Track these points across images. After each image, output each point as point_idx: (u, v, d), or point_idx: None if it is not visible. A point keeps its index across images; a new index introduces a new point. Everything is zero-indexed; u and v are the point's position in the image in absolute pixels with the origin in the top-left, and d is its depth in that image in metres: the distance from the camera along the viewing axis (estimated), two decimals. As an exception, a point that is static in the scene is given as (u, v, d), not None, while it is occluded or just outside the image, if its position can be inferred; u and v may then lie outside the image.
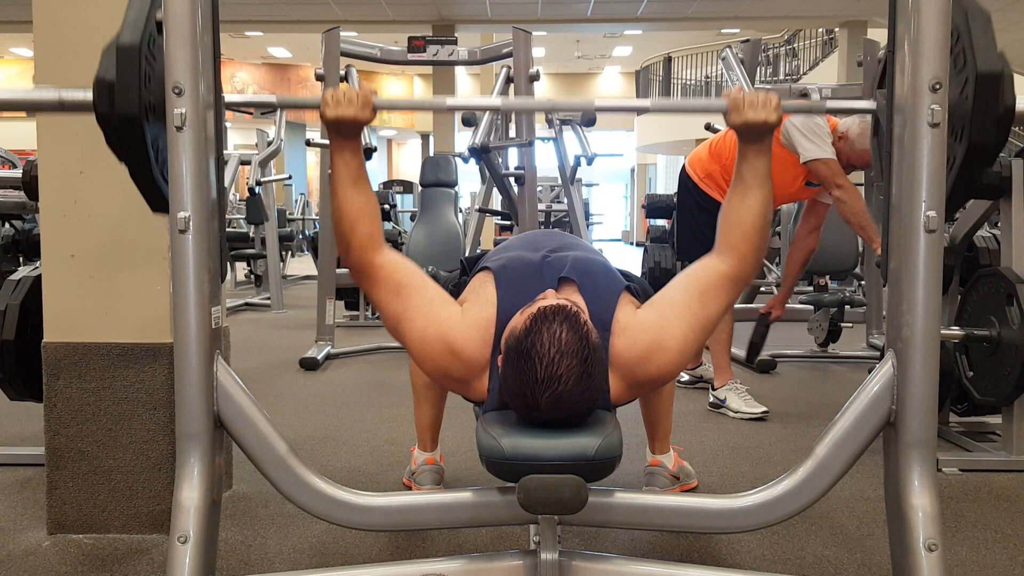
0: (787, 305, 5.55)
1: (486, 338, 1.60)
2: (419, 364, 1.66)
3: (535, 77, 4.26)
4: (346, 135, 1.57)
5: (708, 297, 1.59)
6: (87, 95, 1.46)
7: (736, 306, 4.21)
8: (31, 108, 1.65)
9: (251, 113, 12.53)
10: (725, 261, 1.61)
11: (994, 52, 1.40)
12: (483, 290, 1.68)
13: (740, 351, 4.33)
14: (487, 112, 4.26)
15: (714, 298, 1.59)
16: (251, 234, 7.57)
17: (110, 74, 1.40)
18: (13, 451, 2.66)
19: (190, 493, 1.47)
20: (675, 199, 3.70)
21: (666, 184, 20.37)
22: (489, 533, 2.06)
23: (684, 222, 3.55)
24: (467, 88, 17.26)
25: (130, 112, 1.41)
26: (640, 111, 1.61)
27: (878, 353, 4.15)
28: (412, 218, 7.81)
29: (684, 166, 3.47)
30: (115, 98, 1.40)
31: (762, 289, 5.95)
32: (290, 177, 10.59)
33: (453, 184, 6.23)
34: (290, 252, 10.50)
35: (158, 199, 1.50)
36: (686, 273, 1.66)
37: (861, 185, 4.31)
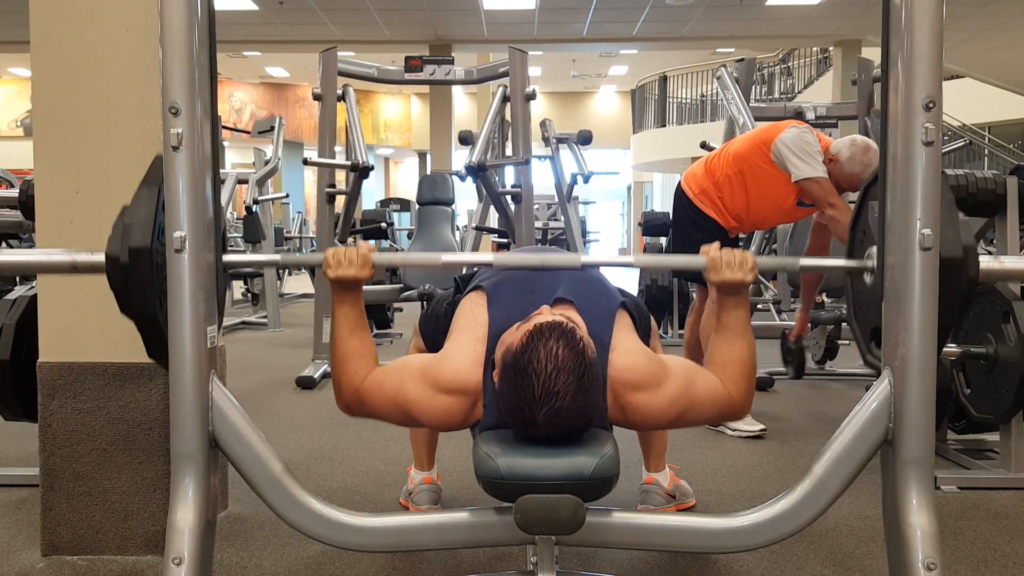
0: (785, 322, 5.56)
1: (476, 360, 1.61)
2: (433, 425, 1.70)
3: (531, 96, 4.29)
4: (347, 289, 1.65)
5: (706, 391, 1.62)
6: (99, 259, 1.52)
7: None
8: (45, 270, 1.72)
9: (248, 132, 12.58)
10: (727, 388, 1.63)
11: (957, 238, 1.48)
12: (472, 312, 1.70)
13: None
14: (484, 130, 4.28)
15: (708, 398, 1.62)
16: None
17: (124, 259, 1.47)
18: (8, 472, 2.64)
19: (185, 514, 1.47)
20: (671, 216, 3.71)
21: (663, 202, 20.43)
22: (486, 553, 2.05)
23: (679, 238, 3.56)
24: (464, 107, 17.33)
25: (146, 309, 1.49)
26: (624, 266, 1.74)
27: (875, 371, 4.14)
28: (409, 236, 7.82)
29: (680, 183, 3.49)
30: (130, 290, 1.48)
31: (759, 307, 5.95)
32: (287, 196, 10.59)
33: (450, 202, 6.25)
34: (287, 270, 10.50)
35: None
36: (698, 367, 1.68)
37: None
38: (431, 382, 1.59)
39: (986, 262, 1.56)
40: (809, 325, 4.43)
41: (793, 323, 3.88)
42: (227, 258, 1.60)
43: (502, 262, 1.71)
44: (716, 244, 1.65)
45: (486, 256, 1.70)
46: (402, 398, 1.61)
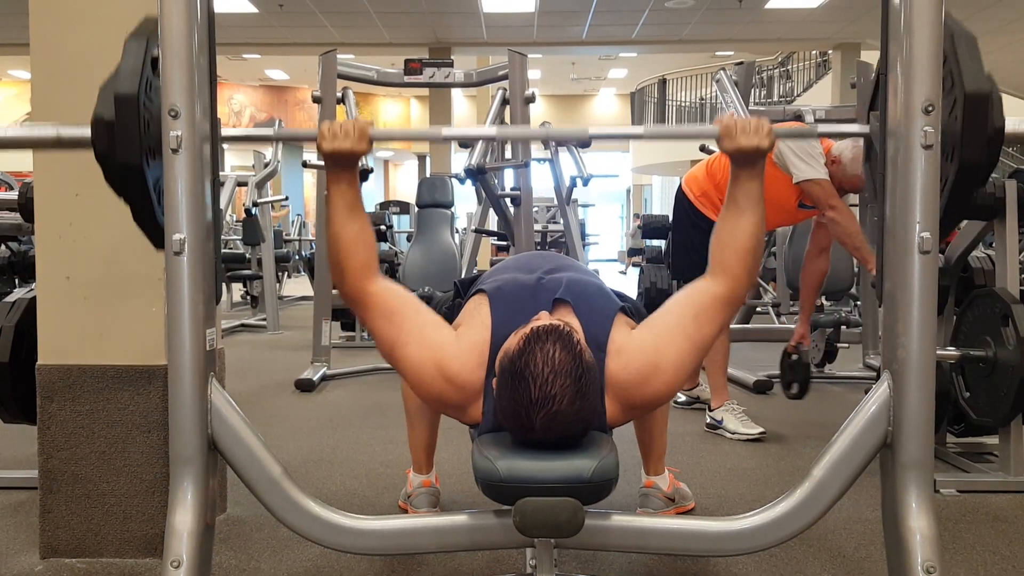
0: (783, 325, 5.56)
1: (480, 362, 1.60)
2: (415, 390, 1.67)
3: (531, 99, 4.29)
4: (343, 166, 1.58)
5: (703, 319, 1.60)
6: (85, 132, 1.46)
7: (732, 326, 4.21)
8: (29, 146, 1.65)
9: (248, 135, 12.59)
10: (719, 282, 1.61)
11: (982, 73, 1.42)
12: (477, 313, 1.68)
13: (736, 371, 4.33)
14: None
15: (709, 320, 1.60)
16: (247, 255, 7.58)
17: (108, 115, 1.40)
18: (6, 474, 2.63)
19: (183, 517, 1.47)
20: (671, 218, 3.71)
21: (662, 204, 20.45)
22: (485, 556, 2.05)
23: (679, 240, 3.56)
24: (464, 110, 17.35)
25: (131, 161, 1.42)
26: (634, 138, 1.68)
27: (874, 374, 4.15)
28: (408, 239, 7.82)
29: (680, 185, 3.49)
30: (116, 146, 1.41)
31: (758, 310, 5.95)
32: (287, 198, 10.60)
33: (449, 205, 6.25)
34: (286, 273, 10.50)
35: (160, 238, 1.50)
36: (680, 295, 1.66)
37: (856, 206, 4.32)
38: (436, 362, 1.58)
39: (1013, 121, 1.47)
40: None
41: (793, 327, 3.89)
42: (224, 132, 1.57)
43: (504, 134, 1.69)
44: (731, 112, 1.64)
45: (488, 129, 1.69)
46: (400, 352, 1.59)
